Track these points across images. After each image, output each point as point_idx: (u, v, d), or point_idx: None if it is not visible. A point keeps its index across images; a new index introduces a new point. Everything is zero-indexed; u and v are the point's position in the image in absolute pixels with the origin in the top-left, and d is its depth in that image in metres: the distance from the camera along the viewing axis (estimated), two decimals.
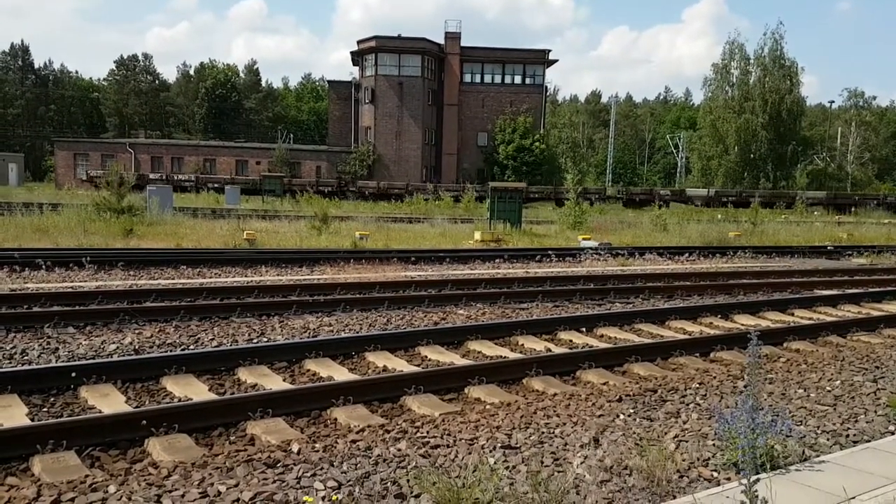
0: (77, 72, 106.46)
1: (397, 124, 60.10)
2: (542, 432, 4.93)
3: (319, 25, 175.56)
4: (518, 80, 63.95)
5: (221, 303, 8.94)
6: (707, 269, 15.74)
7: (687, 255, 18.64)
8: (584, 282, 12.60)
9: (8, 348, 6.53)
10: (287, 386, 5.88)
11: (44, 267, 11.27)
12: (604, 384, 6.39)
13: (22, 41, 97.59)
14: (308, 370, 6.46)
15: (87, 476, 3.93)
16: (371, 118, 60.71)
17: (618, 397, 5.88)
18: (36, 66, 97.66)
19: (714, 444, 4.73)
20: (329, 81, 72.34)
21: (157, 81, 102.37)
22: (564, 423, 5.15)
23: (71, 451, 4.21)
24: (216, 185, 48.97)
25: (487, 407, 5.57)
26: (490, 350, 7.47)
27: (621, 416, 5.37)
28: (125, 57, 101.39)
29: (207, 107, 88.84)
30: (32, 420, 4.83)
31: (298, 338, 7.65)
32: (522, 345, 7.86)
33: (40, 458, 4.08)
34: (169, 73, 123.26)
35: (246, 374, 6.14)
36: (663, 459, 4.20)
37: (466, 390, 6.01)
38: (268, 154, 62.26)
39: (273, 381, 6.01)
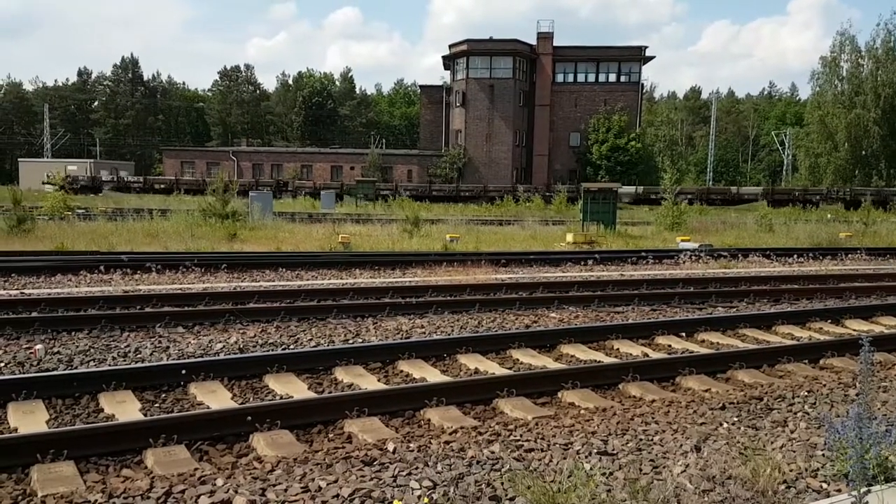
0: (183, 83, 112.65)
1: (488, 126, 60.15)
2: (640, 439, 4.81)
3: (412, 30, 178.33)
4: (612, 78, 62.68)
5: (318, 304, 9.19)
6: (816, 271, 14.92)
7: (795, 256, 17.74)
8: (684, 285, 12.21)
9: (122, 347, 6.94)
10: (382, 386, 5.98)
11: (154, 269, 11.93)
12: (705, 391, 6.17)
13: (132, 54, 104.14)
14: (401, 371, 6.55)
15: (196, 469, 4.11)
16: (462, 121, 61.03)
17: (721, 405, 5.65)
18: (145, 77, 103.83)
19: (824, 455, 4.49)
20: (420, 86, 73.31)
21: (257, 91, 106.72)
22: (664, 431, 5.00)
23: (181, 445, 4.42)
24: (312, 191, 50.50)
25: (582, 412, 5.48)
26: (584, 354, 7.35)
27: (724, 425, 5.17)
28: (228, 68, 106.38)
29: (304, 115, 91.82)
30: (145, 415, 5.11)
31: (392, 339, 7.77)
32: (618, 349, 7.68)
33: (153, 452, 4.31)
34: (269, 83, 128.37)
35: (342, 374, 6.28)
36: (769, 469, 4.02)
37: (560, 394, 5.93)
38: (361, 159, 63.71)
39: (368, 381, 6.12)
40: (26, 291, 9.71)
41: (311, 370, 6.34)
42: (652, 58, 63.73)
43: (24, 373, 5.93)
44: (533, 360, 7.06)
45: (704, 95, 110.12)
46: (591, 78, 62.87)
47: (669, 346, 7.94)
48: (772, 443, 4.77)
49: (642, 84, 64.64)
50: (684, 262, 16.20)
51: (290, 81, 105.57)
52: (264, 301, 9.48)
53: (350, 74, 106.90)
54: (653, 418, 5.29)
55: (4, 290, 9.85)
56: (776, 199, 49.10)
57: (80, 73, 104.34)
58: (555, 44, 61.67)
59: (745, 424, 5.19)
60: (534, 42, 61.69)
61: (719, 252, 17.54)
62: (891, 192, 51.01)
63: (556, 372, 6.23)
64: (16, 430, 4.69)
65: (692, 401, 5.80)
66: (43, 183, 25.40)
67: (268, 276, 12.16)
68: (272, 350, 7.07)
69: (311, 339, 7.60)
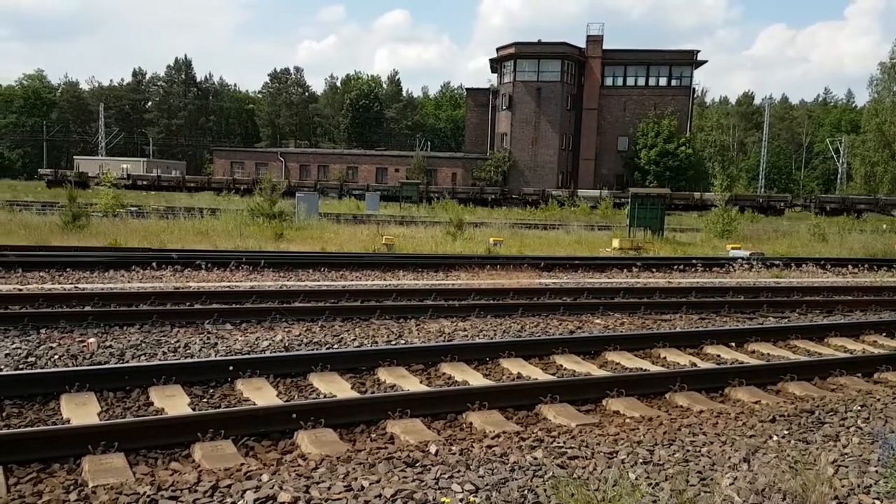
0: (235, 84, 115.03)
1: (534, 130, 59.86)
2: (688, 450, 4.71)
3: (460, 33, 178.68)
4: (663, 81, 61.73)
5: (362, 305, 9.24)
6: (871, 283, 14.44)
7: (849, 267, 17.21)
8: (734, 294, 11.96)
9: (172, 342, 7.09)
10: (424, 388, 5.98)
11: (204, 267, 12.17)
12: (755, 403, 6.02)
13: (185, 56, 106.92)
14: (443, 373, 6.54)
15: (242, 464, 4.17)
16: (508, 124, 60.86)
17: (771, 417, 5.51)
18: (198, 79, 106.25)
19: (877, 471, 4.35)
20: (467, 89, 73.33)
21: (306, 93, 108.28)
22: (712, 442, 4.89)
23: (228, 440, 4.49)
24: (357, 192, 50.95)
25: (627, 420, 5.39)
26: (629, 362, 7.24)
27: (774, 438, 5.04)
28: (278, 70, 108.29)
29: (351, 117, 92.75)
30: (194, 409, 5.20)
31: (434, 341, 7.77)
32: (665, 358, 7.55)
33: (201, 446, 4.38)
34: (317, 85, 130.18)
35: (385, 375, 6.30)
36: (820, 484, 3.90)
37: (604, 402, 5.85)
38: (406, 161, 64.01)
39: (410, 383, 6.13)
40: (80, 286, 9.99)
41: (354, 370, 6.38)
42: (704, 62, 62.70)
43: (77, 365, 6.10)
44: (577, 366, 6.98)
45: (757, 101, 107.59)
46: (641, 81, 62.02)
47: (718, 356, 7.77)
48: (823, 457, 4.62)
49: (693, 88, 63.57)
50: (735, 271, 15.86)
51: (338, 84, 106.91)
52: (309, 300, 9.58)
53: (397, 77, 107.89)
54: (701, 429, 5.18)
55: (59, 284, 10.15)
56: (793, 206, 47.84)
57: (134, 74, 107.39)
58: (604, 47, 61.06)
59: (795, 438, 5.06)
60: (583, 45, 61.17)
61: (771, 261, 17.13)
62: None
63: (601, 379, 6.15)
64: (68, 421, 4.82)
65: (741, 412, 5.67)
66: (96, 184, 26.15)
67: (313, 275, 12.29)
68: (317, 349, 7.13)
69: (354, 339, 7.65)
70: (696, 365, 7.25)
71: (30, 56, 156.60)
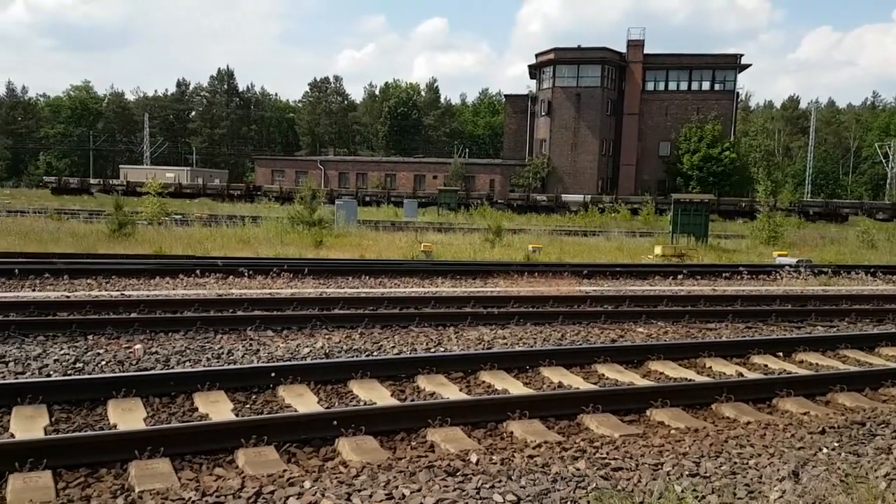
0: (276, 94, 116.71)
1: (573, 136, 59.49)
2: (735, 462, 4.59)
3: (498, 40, 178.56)
4: (706, 86, 60.86)
5: (401, 312, 9.25)
6: None
7: None
8: (781, 302, 11.68)
9: (216, 348, 7.18)
10: (464, 396, 5.95)
11: (246, 274, 12.33)
12: (804, 414, 5.85)
13: (227, 66, 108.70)
14: (483, 381, 6.50)
15: (284, 471, 4.19)
16: (546, 130, 60.61)
17: (820, 429, 5.35)
18: (239, 89, 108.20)
19: None
20: (506, 95, 73.34)
21: (345, 102, 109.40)
22: (759, 454, 4.76)
23: (271, 446, 4.52)
24: (396, 199, 51.26)
25: (672, 431, 5.28)
26: (673, 371, 7.11)
27: (824, 450, 4.89)
28: (318, 79, 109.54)
29: (390, 124, 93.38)
30: (237, 415, 5.25)
31: (473, 349, 7.73)
32: (710, 367, 7.40)
33: (244, 452, 4.42)
34: (356, 94, 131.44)
35: (424, 382, 6.29)
36: (872, 499, 3.78)
37: (648, 412, 5.74)
38: (444, 168, 64.16)
39: (450, 391, 6.11)
40: (126, 293, 10.20)
41: (393, 377, 6.38)
42: (748, 65, 61.64)
43: (123, 371, 6.22)
44: (619, 375, 6.87)
45: (803, 105, 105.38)
46: (684, 86, 61.23)
47: (765, 365, 7.59)
48: (875, 471, 4.47)
49: (737, 92, 62.50)
50: (781, 278, 15.50)
51: (377, 92, 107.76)
52: (349, 307, 9.63)
53: (435, 84, 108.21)
54: (748, 441, 5.06)
55: (106, 291, 10.38)
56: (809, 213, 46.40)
57: (178, 84, 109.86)
58: (646, 51, 60.48)
59: (846, 450, 4.90)
60: (623, 50, 60.68)
61: (819, 268, 16.69)
62: None
63: (645, 389, 6.04)
64: (115, 426, 4.90)
65: (790, 424, 5.53)
66: (142, 193, 26.80)
67: (352, 282, 12.36)
68: (356, 356, 7.15)
69: (393, 347, 7.66)
70: (742, 375, 7.09)
71: (77, 67, 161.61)
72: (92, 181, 60.62)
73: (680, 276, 14.99)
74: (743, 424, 5.52)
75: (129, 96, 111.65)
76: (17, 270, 11.05)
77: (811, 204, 51.92)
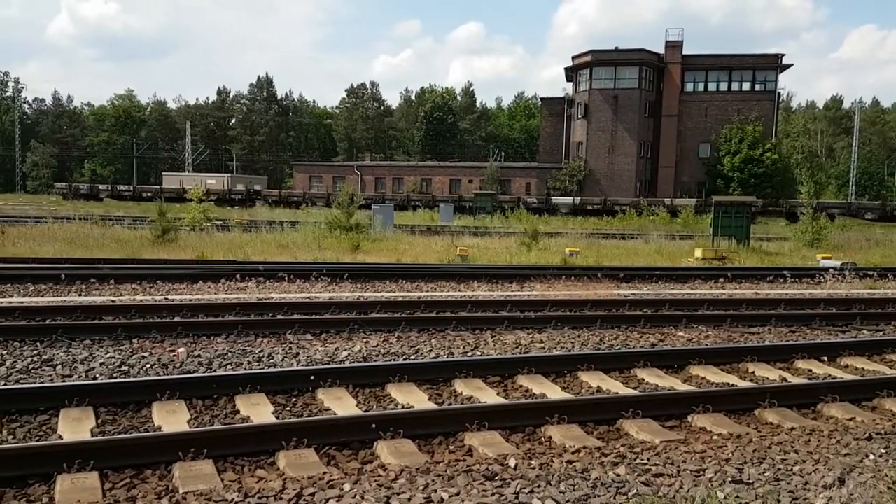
0: (314, 101, 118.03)
1: (611, 138, 58.98)
2: (779, 469, 4.50)
3: (534, 43, 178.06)
4: (746, 86, 59.84)
5: (437, 316, 9.27)
6: None
7: None
8: (825, 305, 11.41)
9: (257, 352, 7.28)
10: (502, 400, 5.93)
11: (286, 279, 12.49)
12: (850, 420, 5.72)
13: (266, 74, 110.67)
14: (520, 386, 6.47)
15: (324, 473, 4.23)
16: (583, 133, 60.21)
17: (867, 435, 5.22)
18: (278, 96, 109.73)
19: None
20: (541, 98, 73.11)
21: (381, 107, 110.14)
22: (804, 461, 4.66)
23: (311, 449, 4.56)
24: (431, 203, 51.40)
25: (714, 437, 5.20)
26: (715, 376, 6.99)
27: (871, 457, 4.77)
28: (355, 85, 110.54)
29: (425, 129, 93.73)
30: (278, 418, 5.32)
31: (511, 353, 7.71)
32: (753, 372, 7.26)
33: (285, 454, 4.47)
34: (393, 99, 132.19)
35: (462, 386, 6.29)
36: None
37: (690, 418, 5.65)
38: (479, 172, 64.16)
39: (487, 395, 6.10)
40: (170, 297, 10.41)
41: (431, 381, 6.39)
42: (789, 65, 60.39)
43: (167, 374, 6.34)
44: (659, 380, 6.78)
45: (846, 105, 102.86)
46: (724, 87, 60.30)
47: (810, 370, 7.43)
48: None
49: (778, 93, 61.30)
50: (825, 282, 15.15)
51: (413, 97, 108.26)
52: (386, 311, 9.68)
53: (471, 89, 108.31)
54: (792, 447, 4.95)
55: (150, 295, 10.61)
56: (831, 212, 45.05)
57: (219, 92, 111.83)
58: (684, 52, 59.73)
59: (893, 457, 4.78)
60: (661, 51, 59.99)
61: (864, 271, 16.27)
62: None
63: (686, 394, 5.95)
64: (160, 428, 5.00)
65: (835, 430, 5.40)
66: (185, 199, 27.41)
67: (389, 286, 12.42)
68: (394, 360, 7.19)
69: (430, 351, 7.67)
70: (786, 380, 6.95)
71: (120, 77, 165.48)
72: (101, 187, 63.07)
73: (721, 280, 14.75)
74: (787, 430, 5.40)
75: (172, 105, 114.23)
76: (63, 276, 11.36)
77: (869, 207, 50.48)
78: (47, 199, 60.25)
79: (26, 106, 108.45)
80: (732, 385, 6.67)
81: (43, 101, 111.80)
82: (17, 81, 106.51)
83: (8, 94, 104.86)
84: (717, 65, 59.98)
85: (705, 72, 60.25)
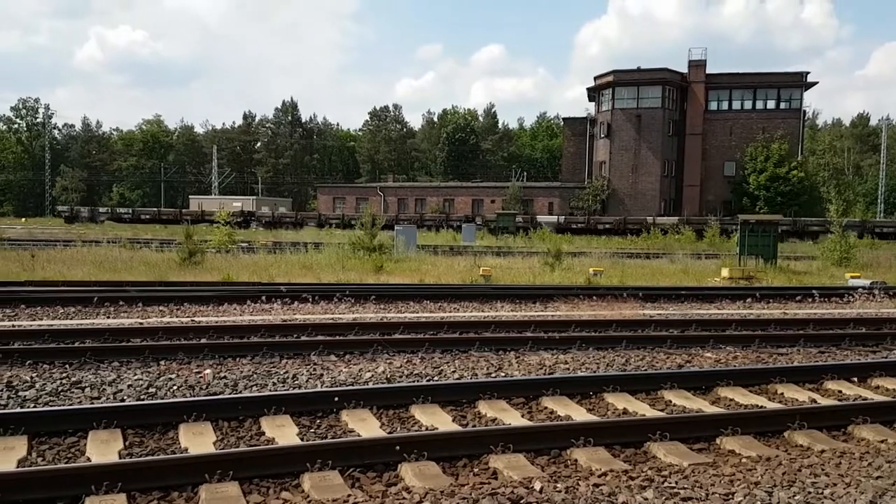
0: (337, 124, 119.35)
1: (634, 157, 58.82)
2: (809, 492, 4.41)
3: (556, 64, 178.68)
4: (771, 104, 59.56)
5: (461, 336, 9.25)
6: None
7: None
8: (855, 325, 11.21)
9: (281, 373, 7.32)
10: (526, 422, 5.89)
11: (310, 300, 12.56)
12: (881, 442, 5.59)
13: (291, 98, 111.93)
14: (545, 408, 6.42)
15: (349, 496, 4.22)
16: (606, 152, 60.13)
17: None
18: (303, 119, 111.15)
19: None
20: (564, 118, 73.25)
21: (404, 129, 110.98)
22: (835, 484, 4.56)
23: (335, 471, 4.56)
24: (454, 224, 51.53)
25: (743, 460, 5.11)
26: (744, 398, 6.89)
27: None
28: (377, 108, 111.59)
29: (448, 150, 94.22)
30: (302, 440, 5.33)
31: (535, 374, 7.67)
32: (782, 394, 7.14)
33: (309, 476, 4.47)
34: (415, 121, 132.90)
35: (486, 408, 6.26)
36: None
37: (718, 440, 5.57)
38: (501, 192, 64.25)
39: (512, 417, 6.06)
40: (196, 319, 10.52)
41: (454, 402, 6.36)
42: (815, 83, 60.01)
43: (194, 396, 6.40)
44: (687, 402, 6.70)
45: (873, 122, 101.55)
46: (748, 105, 60.07)
47: (840, 391, 7.29)
48: None
49: (804, 111, 60.83)
50: (855, 301, 14.89)
51: (435, 118, 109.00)
52: (409, 332, 9.67)
53: (493, 109, 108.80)
54: (823, 470, 4.85)
55: (177, 317, 10.73)
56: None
57: (245, 117, 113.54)
58: (708, 71, 59.60)
59: None
60: (684, 70, 59.93)
61: (894, 290, 15.97)
62: None
63: (714, 416, 5.87)
64: (186, 450, 5.04)
65: (867, 452, 5.28)
66: (212, 223, 27.83)
67: (412, 307, 12.44)
68: (417, 381, 7.18)
69: (454, 371, 7.65)
70: (816, 401, 6.82)
71: (148, 102, 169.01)
72: (101, 209, 64.92)
73: (749, 300, 14.57)
74: (817, 453, 5.30)
75: (199, 129, 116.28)
76: (94, 298, 11.53)
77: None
78: (50, 222, 61.69)
79: (56, 131, 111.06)
80: (761, 407, 6.57)
81: (72, 126, 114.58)
82: (47, 107, 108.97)
83: (38, 119, 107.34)
84: (741, 83, 59.78)
85: (729, 90, 60.07)
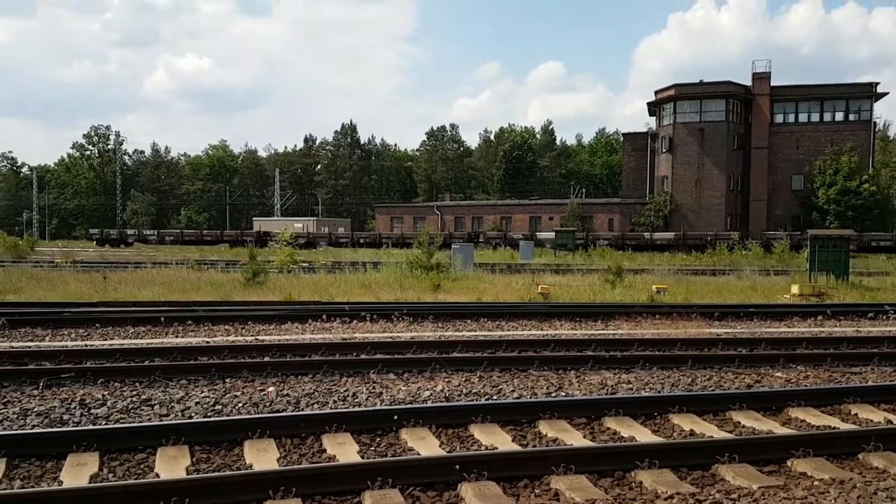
0: (395, 144, 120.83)
1: (697, 172, 57.61)
2: None
3: (615, 80, 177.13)
4: (839, 116, 57.64)
5: (519, 355, 9.18)
6: None
7: None
8: None
9: (342, 391, 7.39)
10: (589, 443, 5.79)
11: (368, 318, 12.68)
12: None
13: (350, 121, 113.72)
14: (608, 428, 6.30)
15: None
16: (668, 167, 59.08)
17: None
18: (361, 141, 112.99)
19: None
20: (624, 134, 72.41)
21: (461, 148, 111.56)
22: None
23: (395, 489, 4.57)
24: (512, 242, 51.39)
25: (816, 483, 4.90)
26: (815, 419, 6.62)
27: None
28: (435, 128, 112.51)
29: (505, 168, 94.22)
30: (363, 457, 5.36)
31: (596, 394, 7.54)
32: (856, 414, 6.84)
33: (370, 494, 4.50)
34: (472, 140, 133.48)
35: (546, 428, 6.18)
36: None
37: (789, 462, 5.36)
38: (560, 209, 63.79)
39: (573, 437, 5.96)
40: (260, 338, 10.75)
41: (514, 422, 6.31)
42: (885, 94, 57.81)
43: (258, 413, 6.52)
44: (756, 423, 6.47)
45: None
46: (815, 117, 58.25)
47: None
48: None
49: (874, 122, 58.62)
50: None
51: (492, 137, 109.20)
52: (467, 351, 9.65)
53: (551, 126, 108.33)
54: None
55: (242, 336, 10.98)
56: None
57: (306, 140, 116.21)
58: (773, 83, 58.14)
59: None
60: (748, 83, 58.60)
61: None
62: None
63: (785, 437, 5.66)
64: (251, 466, 5.13)
65: None
66: (274, 243, 28.61)
67: (470, 325, 12.41)
68: (476, 400, 7.15)
69: (513, 391, 7.59)
70: (891, 422, 6.52)
71: (214, 127, 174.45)
72: (129, 232, 67.65)
73: (820, 317, 14.04)
74: (893, 476, 5.05)
75: (262, 153, 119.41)
76: (163, 318, 11.91)
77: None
78: (82, 244, 65.17)
79: (126, 157, 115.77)
80: (834, 428, 6.31)
81: (142, 152, 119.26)
82: (117, 134, 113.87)
83: (109, 146, 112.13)
84: (807, 95, 58.09)
85: (795, 102, 58.41)
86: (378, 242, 55.07)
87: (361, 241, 57.19)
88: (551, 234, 50.61)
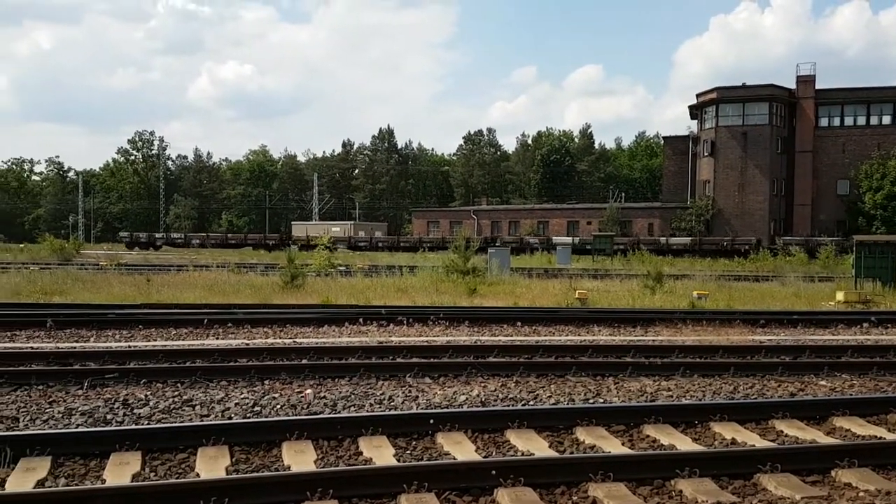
0: (432, 149, 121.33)
1: (740, 176, 56.62)
2: None
3: (655, 83, 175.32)
4: (886, 120, 56.20)
5: (556, 361, 9.11)
6: None
7: None
8: None
9: (378, 394, 7.42)
10: (627, 451, 5.72)
11: (404, 322, 12.72)
12: None
13: (388, 125, 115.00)
14: (647, 436, 6.21)
15: None
16: (710, 171, 58.17)
17: None
18: (399, 146, 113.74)
19: None
20: (664, 137, 71.55)
21: (498, 152, 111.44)
22: None
23: (431, 493, 4.57)
24: (549, 246, 51.14)
25: (861, 494, 4.77)
26: (861, 429, 6.44)
27: None
28: (472, 132, 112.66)
29: (542, 172, 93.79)
30: (399, 461, 5.38)
31: (635, 401, 7.45)
32: None
33: (406, 497, 4.50)
34: (509, 144, 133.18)
35: (584, 434, 6.12)
36: None
37: (833, 473, 5.22)
38: (598, 214, 63.26)
39: (611, 444, 5.89)
40: (298, 340, 10.86)
41: (551, 428, 6.25)
42: None
43: (296, 415, 6.58)
44: (800, 432, 6.32)
45: None
46: (861, 121, 56.87)
47: None
48: None
49: None
50: None
51: (529, 141, 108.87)
52: (503, 355, 9.61)
53: (589, 130, 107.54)
54: None
55: (280, 339, 11.11)
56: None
57: (344, 145, 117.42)
58: (818, 86, 56.90)
59: None
60: (792, 86, 57.44)
61: None
62: None
63: (829, 447, 5.52)
64: (289, 467, 5.18)
65: None
66: (310, 246, 29.00)
67: (506, 330, 12.36)
68: (512, 405, 7.12)
69: (550, 396, 7.54)
70: None
71: (255, 133, 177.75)
72: (157, 235, 69.41)
73: (866, 325, 13.67)
74: None
75: (301, 158, 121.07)
76: (205, 320, 12.11)
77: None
78: (110, 246, 67.36)
79: (170, 162, 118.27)
80: (880, 438, 6.13)
81: (185, 157, 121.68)
82: (161, 140, 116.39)
83: (154, 151, 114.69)
84: (853, 98, 56.73)
85: (841, 106, 57.08)
86: (416, 246, 55.34)
87: (401, 244, 57.80)
88: (568, 239, 50.31)
